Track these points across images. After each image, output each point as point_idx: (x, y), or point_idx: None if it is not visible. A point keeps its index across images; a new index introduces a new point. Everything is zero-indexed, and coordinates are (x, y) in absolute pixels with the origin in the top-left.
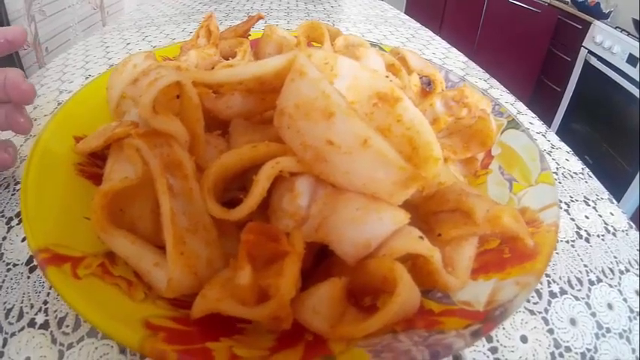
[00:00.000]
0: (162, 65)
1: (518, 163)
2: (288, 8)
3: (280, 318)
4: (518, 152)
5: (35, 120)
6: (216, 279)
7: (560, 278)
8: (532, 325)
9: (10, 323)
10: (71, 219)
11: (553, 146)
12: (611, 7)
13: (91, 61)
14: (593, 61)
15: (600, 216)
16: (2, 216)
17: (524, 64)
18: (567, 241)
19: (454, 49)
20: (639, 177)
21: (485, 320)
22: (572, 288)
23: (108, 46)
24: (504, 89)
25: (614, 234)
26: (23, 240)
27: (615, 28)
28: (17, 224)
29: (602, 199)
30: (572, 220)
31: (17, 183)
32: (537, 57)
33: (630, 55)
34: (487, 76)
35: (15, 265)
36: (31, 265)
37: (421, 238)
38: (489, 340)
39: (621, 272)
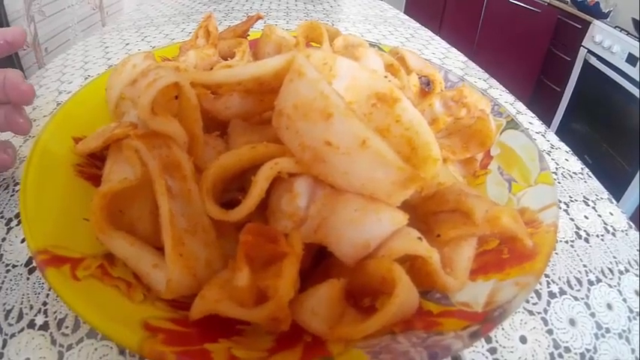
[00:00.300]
0: (160, 66)
1: (517, 163)
2: (287, 8)
3: (279, 319)
4: (517, 152)
5: (34, 121)
6: (214, 280)
7: (559, 278)
8: (531, 325)
9: (10, 324)
10: (70, 220)
11: (552, 146)
12: (611, 7)
13: (91, 62)
14: (593, 61)
15: (600, 216)
16: (1, 217)
17: (523, 64)
18: (567, 242)
19: (454, 49)
20: (639, 177)
21: (484, 321)
22: (572, 288)
23: (107, 47)
24: (504, 89)
25: (613, 234)
26: (22, 241)
27: (615, 27)
28: (16, 225)
29: (601, 199)
30: (572, 220)
31: (16, 184)
32: (537, 57)
33: (630, 54)
34: (487, 76)
35: (14, 266)
36: (30, 266)
37: (420, 239)
38: (488, 340)
39: (621, 272)
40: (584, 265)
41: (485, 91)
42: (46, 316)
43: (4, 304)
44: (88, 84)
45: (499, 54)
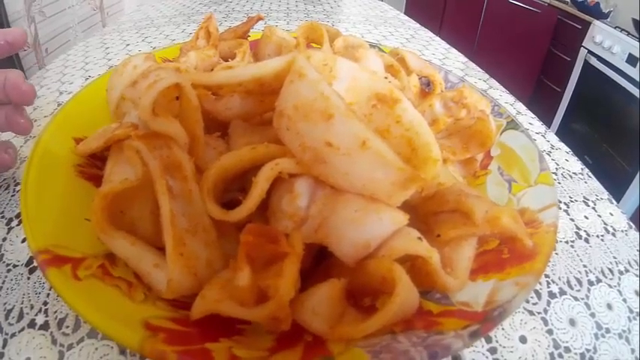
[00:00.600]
0: (161, 67)
1: (517, 163)
2: (287, 9)
3: (279, 319)
4: (517, 153)
5: (35, 121)
6: (215, 280)
7: (559, 279)
8: (531, 325)
9: (10, 324)
10: (71, 220)
11: (552, 146)
12: (611, 7)
13: (91, 62)
14: (593, 61)
15: (600, 216)
16: (2, 217)
17: (523, 65)
18: (567, 242)
19: (454, 50)
20: (639, 177)
21: (484, 321)
22: (572, 288)
23: (108, 47)
24: (504, 89)
25: (613, 234)
26: (23, 241)
27: (615, 28)
28: (17, 225)
29: (601, 199)
30: (572, 220)
31: (17, 184)
32: (537, 57)
33: (630, 55)
34: (487, 76)
35: (15, 266)
36: (31, 266)
37: (420, 239)
38: (488, 340)
39: (621, 272)
40: (584, 266)
41: (485, 91)
42: (47, 316)
43: (5, 303)
44: (88, 85)
45: (499, 54)
